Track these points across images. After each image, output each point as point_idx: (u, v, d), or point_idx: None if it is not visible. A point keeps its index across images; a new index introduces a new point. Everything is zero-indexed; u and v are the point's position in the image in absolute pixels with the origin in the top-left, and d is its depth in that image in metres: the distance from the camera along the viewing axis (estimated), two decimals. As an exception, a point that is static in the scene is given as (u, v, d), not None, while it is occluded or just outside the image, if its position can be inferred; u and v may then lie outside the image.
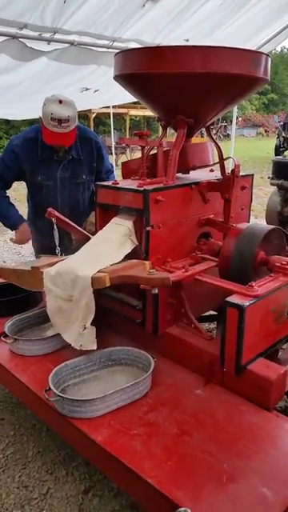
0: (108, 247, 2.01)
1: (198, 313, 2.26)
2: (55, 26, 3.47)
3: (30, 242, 3.12)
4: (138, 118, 28.02)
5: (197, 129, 2.29)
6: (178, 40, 4.33)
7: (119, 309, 2.21)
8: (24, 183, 2.94)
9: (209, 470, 1.40)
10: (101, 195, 2.20)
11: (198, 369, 1.89)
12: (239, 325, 1.65)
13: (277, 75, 39.47)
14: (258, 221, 4.60)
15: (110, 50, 4.06)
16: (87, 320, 1.87)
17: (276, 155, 16.66)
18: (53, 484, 1.95)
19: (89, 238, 2.43)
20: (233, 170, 2.12)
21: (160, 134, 2.41)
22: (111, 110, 8.56)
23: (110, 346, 2.01)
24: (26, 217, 3.07)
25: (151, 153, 2.35)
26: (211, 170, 2.63)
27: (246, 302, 1.66)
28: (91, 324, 1.88)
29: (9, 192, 2.97)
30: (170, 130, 2.36)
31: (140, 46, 3.89)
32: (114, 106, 9.20)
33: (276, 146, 17.06)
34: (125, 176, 2.47)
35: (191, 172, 2.49)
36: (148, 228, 1.96)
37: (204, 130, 2.35)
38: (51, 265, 2.05)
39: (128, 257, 2.02)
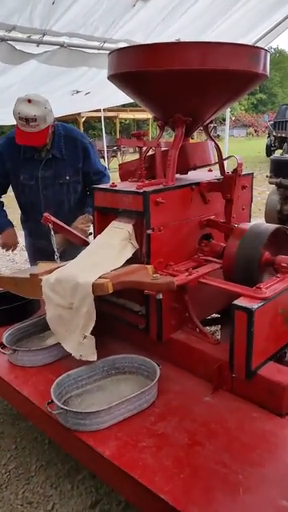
0: (108, 252, 1.94)
1: (201, 317, 2.20)
2: (44, 27, 3.40)
3: (23, 247, 3.06)
4: (127, 121, 28.08)
5: (195, 128, 2.24)
6: (168, 40, 4.29)
7: (121, 315, 2.14)
8: None
9: (224, 483, 1.33)
10: (98, 198, 2.14)
11: (205, 375, 1.83)
12: (248, 328, 1.60)
13: (265, 75, 39.65)
14: (253, 220, 4.56)
15: (100, 52, 4.01)
16: (88, 328, 1.80)
17: (267, 155, 16.77)
18: (58, 499, 1.88)
19: (87, 243, 2.37)
20: (235, 169, 2.07)
21: (157, 134, 2.36)
22: (102, 114, 8.51)
23: (112, 354, 1.94)
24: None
25: (148, 153, 2.29)
26: (209, 170, 2.58)
27: (254, 305, 1.61)
28: (92, 332, 1.81)
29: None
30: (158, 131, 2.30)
31: (132, 45, 3.84)
32: (103, 110, 9.16)
33: (267, 145, 17.17)
34: (122, 178, 2.42)
35: (189, 172, 2.44)
36: (149, 231, 1.90)
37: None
38: (50, 272, 1.98)
39: (128, 261, 1.96)
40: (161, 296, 1.76)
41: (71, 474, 2.01)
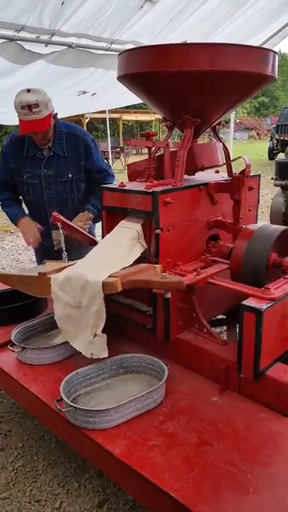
0: (117, 251, 1.95)
1: (208, 317, 2.20)
2: (53, 28, 3.41)
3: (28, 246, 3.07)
4: (130, 123, 28.13)
5: (204, 129, 2.25)
6: (175, 41, 4.30)
7: (128, 314, 2.15)
8: None
9: (233, 482, 1.34)
10: (107, 198, 2.15)
11: (213, 375, 1.84)
12: (257, 329, 1.60)
13: (268, 78, 39.66)
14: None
15: (108, 53, 4.02)
16: (98, 327, 1.81)
17: (270, 158, 16.77)
18: (65, 498, 1.88)
19: (95, 243, 2.38)
20: (243, 171, 2.07)
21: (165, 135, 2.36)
22: (107, 115, 8.52)
23: (119, 353, 1.95)
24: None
25: (156, 154, 2.30)
26: (216, 171, 2.59)
27: (263, 306, 1.61)
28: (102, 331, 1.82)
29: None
30: (163, 133, 2.31)
31: (143, 45, 3.85)
32: (107, 111, 9.17)
33: (269, 148, 17.18)
34: (130, 178, 2.43)
35: (197, 173, 2.45)
36: (157, 231, 1.91)
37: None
38: (59, 271, 1.99)
39: (136, 261, 1.97)
40: (169, 295, 1.77)
41: (78, 472, 2.02)
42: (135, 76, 2.04)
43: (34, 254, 3.15)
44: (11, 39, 3.27)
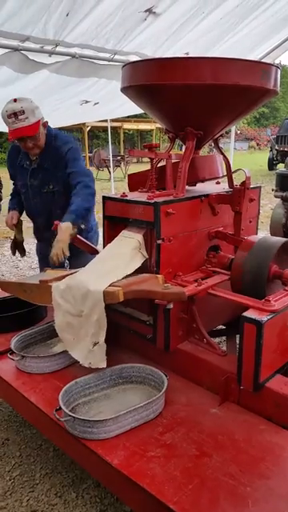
0: (118, 261, 1.96)
1: (208, 328, 2.21)
2: (57, 38, 3.45)
3: (28, 252, 3.10)
4: (131, 132, 28.28)
5: (205, 141, 2.27)
6: (177, 54, 4.35)
7: (128, 324, 2.15)
8: None
9: (232, 495, 1.33)
10: (108, 208, 2.16)
11: (212, 386, 1.84)
12: (257, 341, 1.61)
13: (268, 89, 39.99)
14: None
15: (111, 63, 4.06)
16: (99, 336, 1.81)
17: (269, 168, 16.86)
18: (63, 508, 1.87)
19: (97, 252, 2.39)
20: (243, 182, 2.09)
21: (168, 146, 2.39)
22: (109, 124, 8.56)
23: (118, 363, 1.95)
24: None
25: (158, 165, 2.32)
26: (217, 183, 2.60)
27: (263, 318, 1.62)
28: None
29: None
30: (164, 142, 2.33)
31: (147, 58, 3.89)
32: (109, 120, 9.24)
33: (269, 159, 17.26)
34: (131, 188, 2.44)
35: (198, 184, 2.47)
36: (159, 241, 1.92)
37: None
38: (60, 279, 2.00)
39: (137, 270, 1.97)
40: (171, 306, 1.77)
41: (76, 483, 2.00)
42: (139, 88, 2.06)
43: (32, 261, 3.16)
44: (16, 49, 3.31)
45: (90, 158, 17.71)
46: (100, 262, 2.04)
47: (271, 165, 16.97)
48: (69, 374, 1.96)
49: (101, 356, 1.83)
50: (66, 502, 1.90)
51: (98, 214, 3.00)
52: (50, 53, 3.57)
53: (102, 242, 2.29)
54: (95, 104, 4.97)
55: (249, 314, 1.66)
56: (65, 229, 2.34)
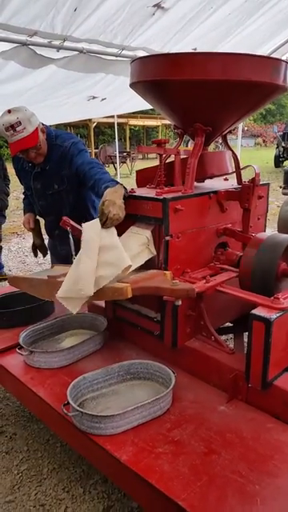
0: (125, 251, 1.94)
1: (216, 325, 2.20)
2: (65, 33, 3.43)
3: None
4: (137, 128, 28.19)
5: (214, 137, 2.26)
6: (185, 49, 4.32)
7: (135, 320, 2.15)
8: None
9: (241, 492, 1.33)
10: (117, 204, 2.15)
11: (220, 384, 1.84)
12: (266, 339, 1.60)
13: (275, 86, 39.73)
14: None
15: (118, 59, 4.04)
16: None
17: (275, 165, 16.78)
18: (70, 503, 1.87)
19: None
20: (253, 179, 2.08)
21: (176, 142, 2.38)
22: (115, 120, 8.54)
23: (127, 359, 1.95)
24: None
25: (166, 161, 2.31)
26: (225, 179, 2.59)
27: (272, 315, 1.61)
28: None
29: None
30: (170, 138, 2.32)
31: (154, 53, 3.87)
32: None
33: (275, 155, 17.18)
34: (139, 184, 2.44)
35: (206, 181, 2.46)
36: (167, 237, 1.92)
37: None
38: (67, 275, 2.00)
39: (144, 266, 1.97)
40: (180, 302, 1.77)
41: (83, 478, 2.01)
42: (148, 83, 2.05)
43: (39, 256, 3.15)
44: (24, 44, 3.30)
45: (95, 154, 17.69)
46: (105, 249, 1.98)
47: (277, 162, 16.90)
48: (77, 369, 1.96)
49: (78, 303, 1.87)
50: (73, 496, 1.91)
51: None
52: (58, 48, 3.56)
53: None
54: (102, 100, 4.96)
55: (258, 311, 1.65)
56: (114, 190, 2.05)
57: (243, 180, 2.29)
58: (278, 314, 1.63)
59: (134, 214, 2.05)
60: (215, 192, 2.13)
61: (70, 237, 2.29)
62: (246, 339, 2.17)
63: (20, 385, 1.94)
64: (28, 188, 2.79)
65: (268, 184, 2.49)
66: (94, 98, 4.82)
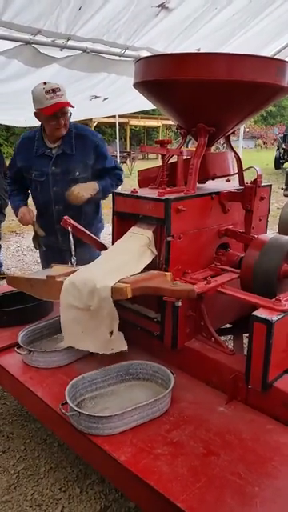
0: (127, 257, 1.95)
1: (216, 326, 2.19)
2: (69, 32, 3.43)
3: (32, 248, 3.11)
4: (137, 128, 28.20)
5: (217, 138, 2.25)
6: (188, 49, 4.32)
7: (135, 320, 2.14)
8: None
9: (240, 494, 1.33)
10: (119, 203, 2.15)
11: (219, 385, 1.83)
12: (267, 340, 1.60)
13: (276, 88, 39.80)
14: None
15: (121, 58, 4.04)
16: (113, 327, 1.83)
17: (276, 167, 16.80)
18: (67, 503, 1.86)
19: (105, 248, 2.37)
20: (255, 180, 2.08)
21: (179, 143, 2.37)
22: (117, 120, 8.54)
23: (126, 359, 1.94)
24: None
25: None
26: (227, 180, 2.59)
27: (274, 317, 1.60)
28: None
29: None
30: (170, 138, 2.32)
31: (158, 53, 3.86)
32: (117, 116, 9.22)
33: (276, 157, 17.20)
34: (141, 184, 2.43)
35: (208, 182, 2.45)
36: (169, 238, 1.91)
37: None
38: (67, 275, 1.99)
39: (146, 267, 1.96)
40: (180, 303, 1.76)
41: (80, 478, 2.00)
42: (152, 83, 2.04)
43: (38, 255, 3.16)
44: (27, 42, 3.30)
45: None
46: (108, 257, 2.03)
47: (278, 164, 16.92)
48: (75, 368, 1.96)
49: (121, 341, 1.85)
50: (70, 496, 1.90)
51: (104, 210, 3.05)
52: (62, 47, 3.56)
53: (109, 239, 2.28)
54: (104, 99, 4.95)
55: (259, 313, 1.64)
56: (91, 184, 2.70)
57: (246, 181, 2.28)
58: (279, 316, 1.62)
59: (135, 214, 2.05)
60: (217, 193, 2.12)
61: (71, 237, 2.29)
62: (245, 340, 2.16)
63: (18, 384, 1.93)
64: (42, 174, 2.80)
65: (270, 185, 2.48)
66: (96, 97, 4.82)
